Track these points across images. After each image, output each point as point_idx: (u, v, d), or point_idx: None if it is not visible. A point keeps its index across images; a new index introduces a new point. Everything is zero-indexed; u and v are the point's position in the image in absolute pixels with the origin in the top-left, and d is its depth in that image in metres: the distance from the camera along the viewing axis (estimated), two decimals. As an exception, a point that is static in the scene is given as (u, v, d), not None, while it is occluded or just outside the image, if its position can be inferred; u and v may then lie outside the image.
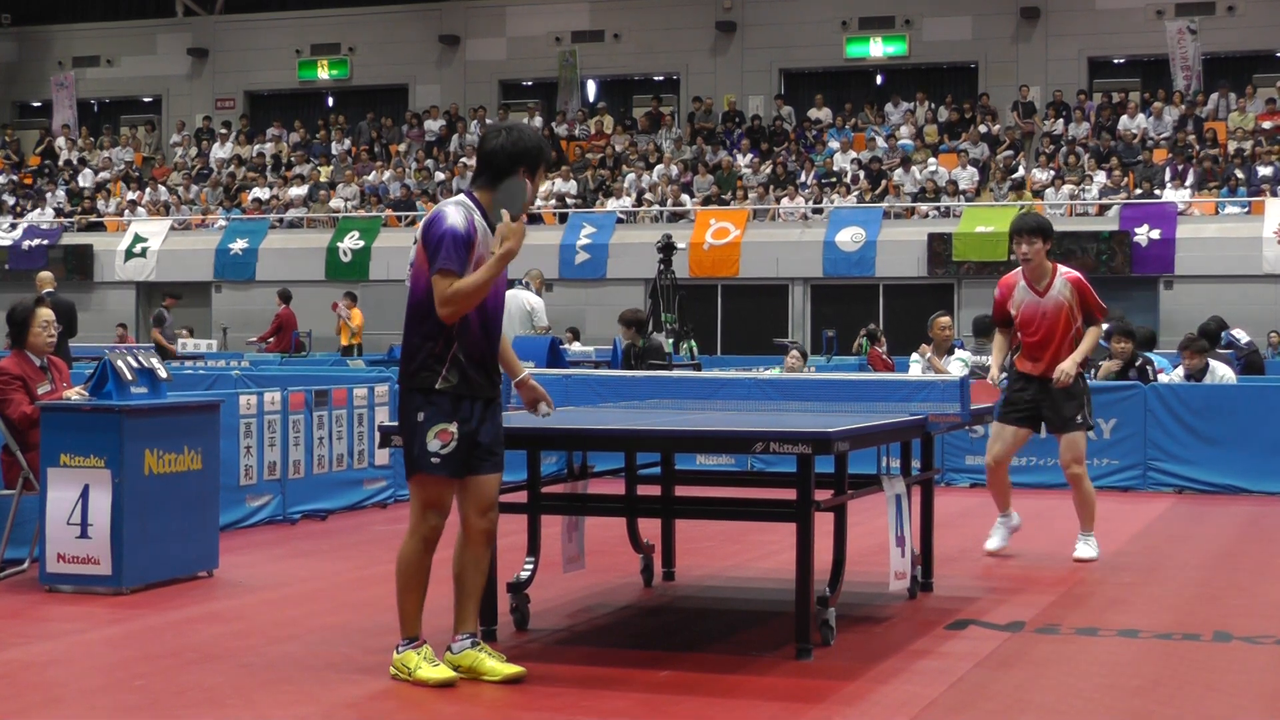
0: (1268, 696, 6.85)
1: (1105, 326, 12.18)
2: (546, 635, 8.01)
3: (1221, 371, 15.98)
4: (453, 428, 6.71)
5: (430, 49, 40.36)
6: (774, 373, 15.67)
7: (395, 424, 7.17)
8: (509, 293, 19.15)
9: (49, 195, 39.55)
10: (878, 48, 37.38)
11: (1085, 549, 10.55)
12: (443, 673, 6.80)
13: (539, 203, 34.57)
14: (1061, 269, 10.47)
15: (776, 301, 31.84)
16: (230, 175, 38.76)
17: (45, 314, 10.08)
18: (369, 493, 13.51)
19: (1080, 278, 10.52)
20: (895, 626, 8.34)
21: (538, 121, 38.06)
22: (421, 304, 6.72)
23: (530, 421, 7.43)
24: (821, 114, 36.59)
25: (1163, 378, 15.93)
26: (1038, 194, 31.89)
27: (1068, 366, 10.30)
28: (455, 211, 6.73)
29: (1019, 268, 10.54)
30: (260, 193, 37.25)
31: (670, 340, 19.51)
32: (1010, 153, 33.85)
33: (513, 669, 6.85)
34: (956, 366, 15.15)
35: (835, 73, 38.15)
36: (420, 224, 6.61)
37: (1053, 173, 32.52)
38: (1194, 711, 6.56)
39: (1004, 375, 10.68)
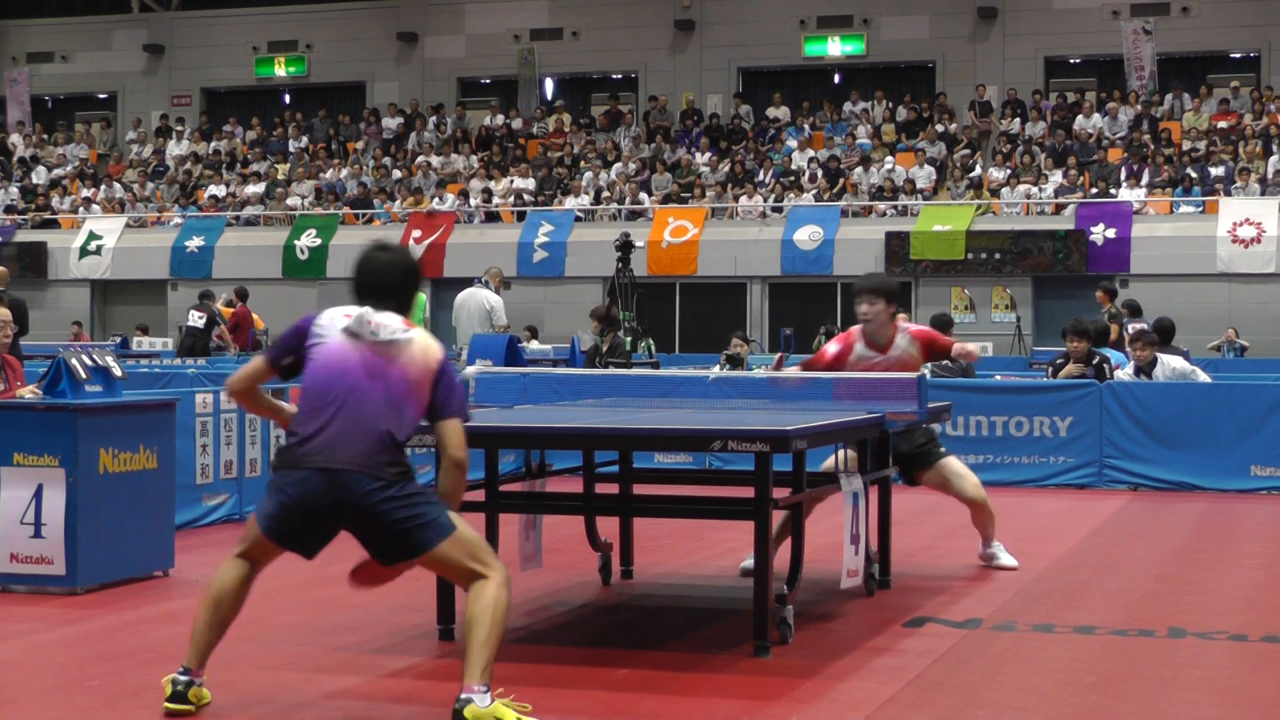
0: (1220, 691, 6.89)
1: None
2: (505, 634, 7.98)
3: (1174, 364, 16.07)
4: None
5: (388, 46, 40.25)
6: (715, 370, 15.66)
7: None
8: (467, 291, 19.24)
9: (2, 192, 39.30)
10: (836, 47, 37.45)
11: (1005, 556, 10.33)
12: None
13: (496, 201, 34.54)
14: (904, 326, 10.16)
15: (734, 300, 31.88)
16: (186, 172, 38.59)
17: (2, 313, 10.02)
18: (326, 491, 13.43)
19: (924, 330, 10.24)
20: (853, 624, 8.36)
21: (498, 120, 38.05)
22: (411, 421, 6.32)
23: (489, 420, 7.41)
24: (780, 113, 36.64)
25: (1119, 373, 16.00)
26: (994, 193, 32.01)
27: (971, 347, 10.26)
28: None
29: (858, 325, 10.27)
30: (217, 190, 37.11)
31: (628, 339, 19.52)
32: (967, 152, 33.97)
33: None
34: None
35: (793, 71, 38.20)
36: (433, 351, 6.19)
37: (1009, 171, 32.63)
38: (1148, 707, 6.59)
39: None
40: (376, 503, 6.09)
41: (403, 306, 6.44)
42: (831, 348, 10.03)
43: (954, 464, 10.37)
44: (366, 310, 6.29)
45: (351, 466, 6.09)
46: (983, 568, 10.31)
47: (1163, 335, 19.27)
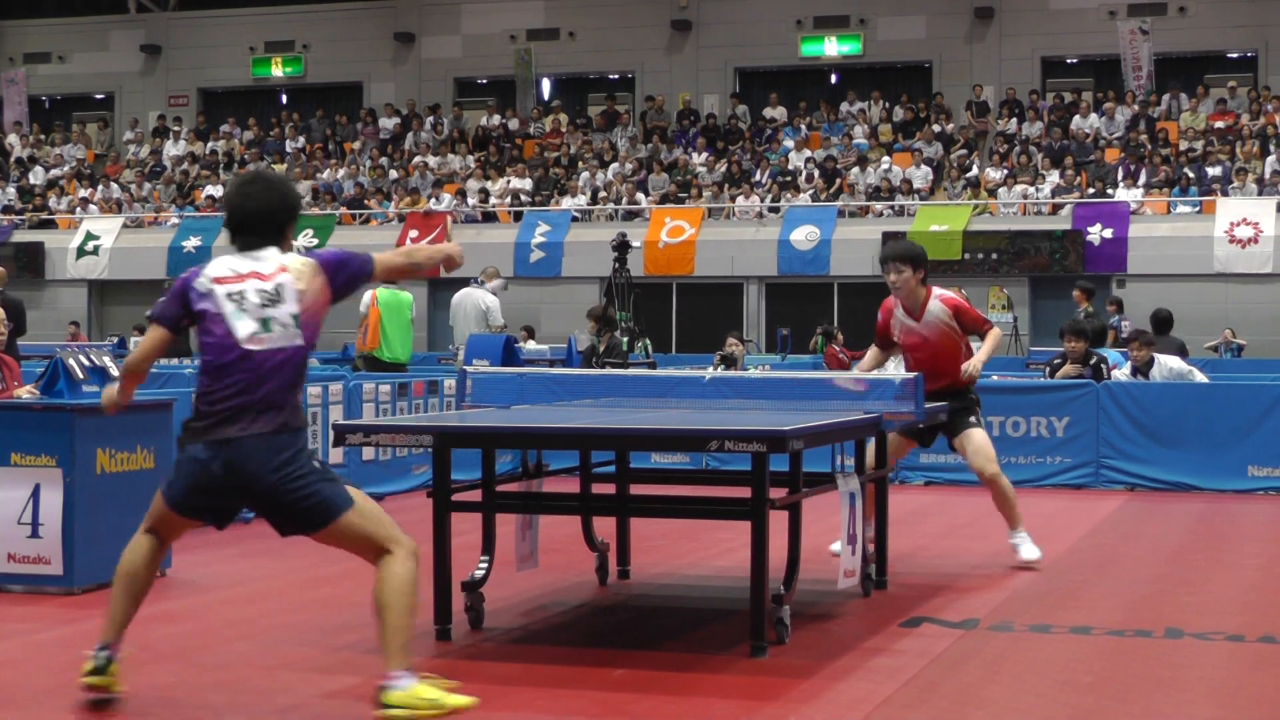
0: (1217, 692, 6.89)
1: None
2: (501, 634, 8.00)
3: (1171, 364, 16.08)
4: None
5: (385, 46, 40.25)
6: (710, 371, 15.68)
7: (347, 423, 7.00)
8: (464, 291, 19.22)
9: (-1, 192, 39.34)
10: (832, 47, 37.46)
11: (1027, 550, 10.31)
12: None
13: (493, 201, 34.54)
14: (936, 292, 10.32)
15: (731, 300, 31.88)
16: (183, 173, 38.58)
17: (-3, 313, 10.02)
18: (323, 491, 13.43)
19: (955, 299, 10.41)
20: (849, 624, 8.36)
21: (495, 120, 38.05)
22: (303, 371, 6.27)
23: (486, 420, 7.41)
24: (776, 113, 36.64)
25: (1116, 373, 16.01)
26: (991, 193, 32.01)
27: (972, 367, 10.27)
28: None
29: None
30: (214, 190, 37.08)
31: (625, 339, 19.53)
32: (964, 152, 33.97)
33: None
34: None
35: (790, 71, 38.21)
36: (305, 267, 6.09)
37: (1006, 172, 32.64)
38: (1145, 707, 6.59)
39: None
40: (275, 479, 6.06)
41: (279, 238, 6.35)
42: (880, 317, 10.31)
43: (976, 437, 10.37)
44: (248, 289, 6.18)
45: (246, 441, 6.06)
46: (981, 566, 10.31)
47: (1160, 326, 19.29)
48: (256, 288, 6.18)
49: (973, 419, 10.38)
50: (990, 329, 10.55)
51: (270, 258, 6.28)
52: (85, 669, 6.35)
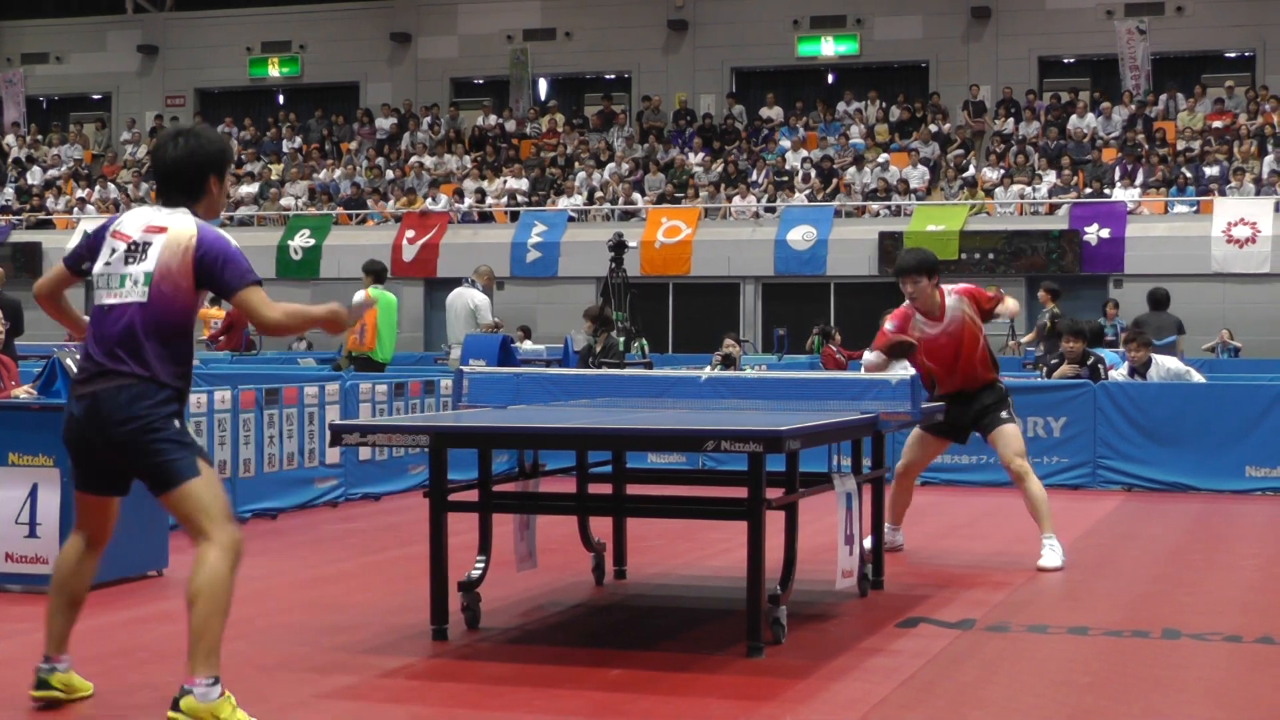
0: (1215, 693, 6.89)
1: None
2: (498, 634, 7.99)
3: (1168, 364, 16.08)
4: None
5: (381, 47, 40.24)
6: (707, 370, 15.68)
7: (343, 423, 6.96)
8: (455, 291, 19.20)
9: (-3, 193, 39.33)
10: (829, 47, 37.47)
11: (1050, 555, 10.24)
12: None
13: (490, 201, 34.54)
14: (949, 289, 10.42)
15: (728, 300, 31.88)
16: (181, 173, 38.53)
17: (-7, 313, 10.02)
18: (320, 491, 13.46)
19: (967, 287, 10.57)
20: (846, 624, 8.35)
21: (491, 120, 38.04)
22: (188, 318, 6.17)
23: (483, 420, 7.41)
24: (773, 113, 36.64)
25: (1113, 374, 16.00)
26: (988, 193, 32.01)
27: (1011, 304, 10.79)
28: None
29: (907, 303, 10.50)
30: (210, 190, 37.05)
31: (621, 339, 19.51)
32: (961, 152, 33.97)
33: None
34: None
35: (787, 71, 38.21)
36: (185, 236, 6.10)
37: (1003, 171, 32.65)
38: (1143, 708, 6.59)
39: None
40: (126, 431, 6.00)
41: (191, 193, 6.24)
42: (889, 325, 10.30)
43: (1008, 431, 10.47)
44: (122, 245, 6.16)
45: (102, 393, 6.03)
46: (978, 566, 10.31)
47: (1157, 304, 19.30)
48: (129, 243, 6.16)
49: (1004, 414, 10.50)
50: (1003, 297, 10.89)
51: (172, 216, 6.18)
52: (32, 682, 6.33)
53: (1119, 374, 16.07)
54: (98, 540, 6.41)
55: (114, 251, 6.17)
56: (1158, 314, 19.59)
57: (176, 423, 6.08)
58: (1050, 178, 32.20)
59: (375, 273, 18.42)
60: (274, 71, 41.38)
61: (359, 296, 17.66)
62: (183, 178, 6.23)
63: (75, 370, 6.19)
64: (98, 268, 6.22)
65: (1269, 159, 31.72)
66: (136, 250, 6.14)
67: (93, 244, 6.29)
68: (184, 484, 6.01)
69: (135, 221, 6.23)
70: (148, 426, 5.99)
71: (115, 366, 6.02)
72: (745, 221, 32.67)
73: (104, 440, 6.05)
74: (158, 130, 40.63)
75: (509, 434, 7.96)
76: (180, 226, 6.13)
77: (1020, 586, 9.60)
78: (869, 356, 10.50)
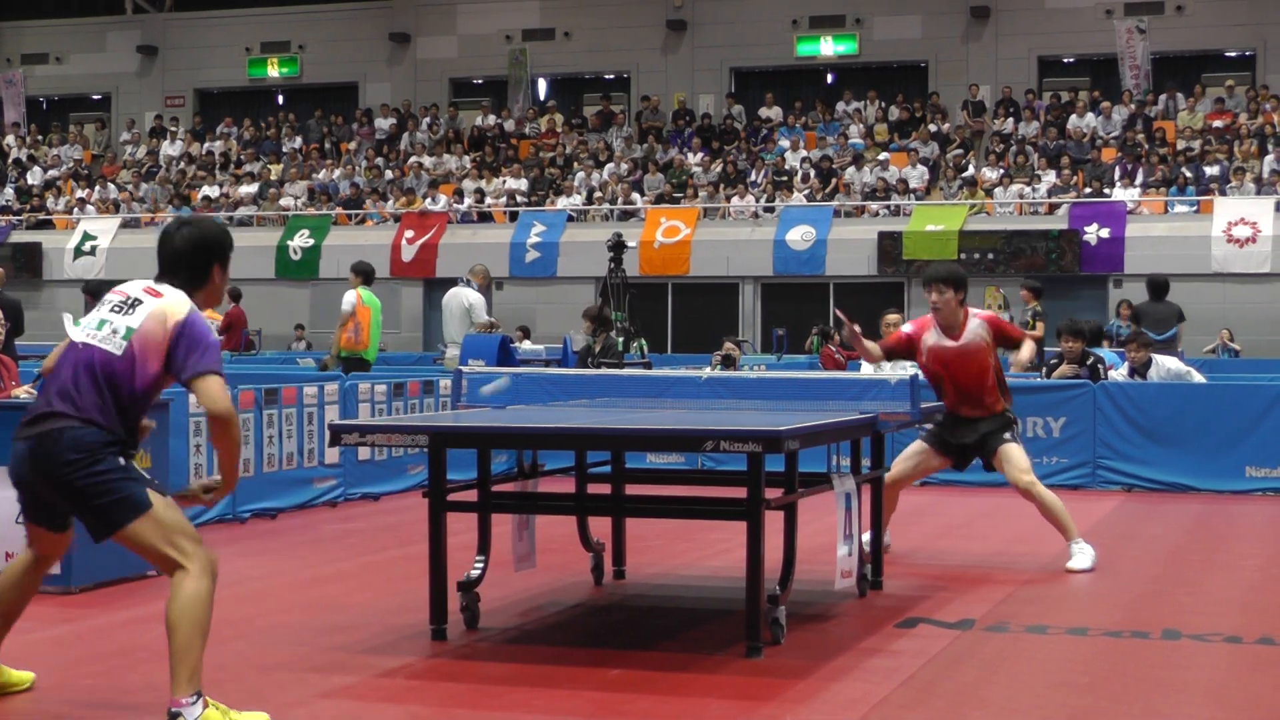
0: (1215, 693, 6.89)
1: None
2: (497, 634, 7.99)
3: (1168, 365, 16.07)
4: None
5: (381, 47, 40.24)
6: (707, 371, 15.68)
7: (342, 423, 6.94)
8: (451, 291, 19.21)
9: (-4, 193, 39.32)
10: (828, 46, 37.45)
11: (1080, 558, 10.20)
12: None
13: (489, 201, 34.54)
14: (973, 312, 10.32)
15: (727, 300, 31.87)
16: (180, 173, 38.56)
17: (-7, 313, 10.01)
18: (319, 491, 13.46)
19: (993, 315, 10.50)
20: (845, 625, 8.35)
21: (490, 120, 38.04)
22: (148, 390, 6.18)
23: (482, 420, 7.41)
24: (772, 112, 36.63)
25: (1113, 374, 16.00)
26: (988, 193, 32.00)
27: (1025, 356, 10.81)
28: None
29: (931, 313, 10.39)
30: (210, 191, 37.07)
31: (620, 339, 19.51)
32: (960, 151, 33.94)
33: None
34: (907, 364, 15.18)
35: (786, 71, 38.19)
36: (173, 313, 6.18)
37: (1002, 171, 32.63)
38: (1143, 708, 6.59)
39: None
40: (69, 474, 5.99)
41: (194, 279, 6.32)
42: (907, 328, 10.27)
43: (1011, 451, 10.35)
44: (117, 299, 6.24)
45: (49, 434, 6.03)
46: (977, 566, 10.31)
47: (1157, 291, 19.28)
48: (125, 297, 6.24)
49: (1007, 435, 10.35)
50: (1028, 337, 10.98)
51: (173, 293, 6.25)
52: None
53: (1119, 374, 16.07)
54: (48, 558, 6.47)
55: (107, 303, 6.26)
56: (1157, 303, 19.56)
57: (121, 460, 6.07)
58: (1050, 177, 32.18)
59: (364, 273, 18.44)
60: (273, 72, 41.36)
61: (348, 296, 17.80)
62: (187, 264, 6.33)
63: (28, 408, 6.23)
64: (89, 315, 6.31)
65: (1269, 159, 31.70)
66: (127, 304, 6.21)
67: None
68: (137, 519, 6.01)
69: (136, 284, 6.34)
70: (90, 461, 5.98)
71: (62, 408, 6.05)
72: (744, 221, 32.65)
73: (47, 482, 6.07)
74: (157, 130, 40.69)
75: (508, 434, 7.96)
76: (175, 303, 6.19)
77: (1020, 586, 9.60)
78: (870, 346, 10.45)
